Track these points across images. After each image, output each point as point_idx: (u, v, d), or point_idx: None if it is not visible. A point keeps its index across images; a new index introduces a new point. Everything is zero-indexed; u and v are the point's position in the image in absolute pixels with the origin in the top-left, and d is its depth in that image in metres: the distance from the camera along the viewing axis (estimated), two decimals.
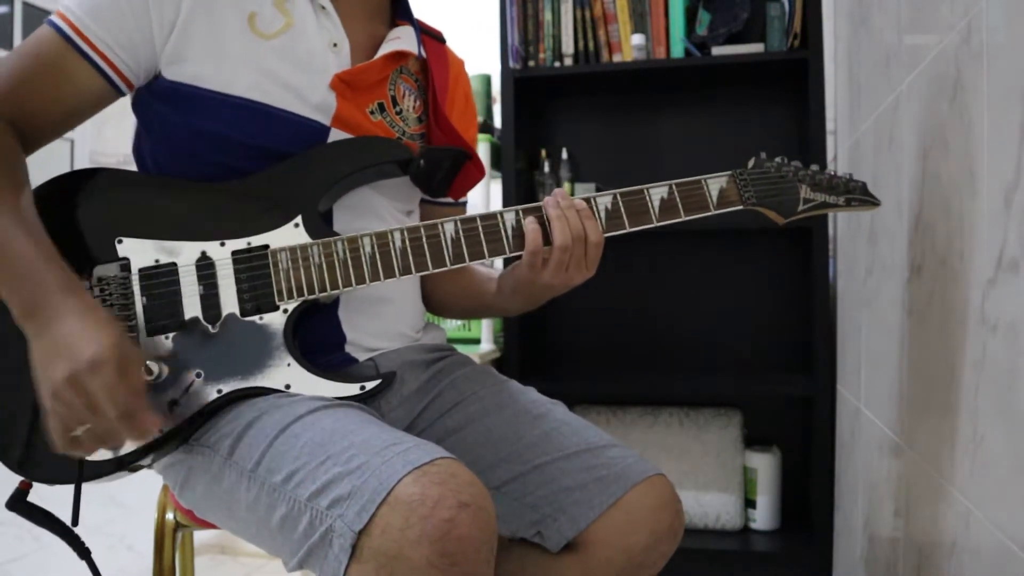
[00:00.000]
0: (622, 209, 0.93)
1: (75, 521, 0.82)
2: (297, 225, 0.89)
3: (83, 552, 0.85)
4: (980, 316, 0.81)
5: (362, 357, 0.96)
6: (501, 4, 1.96)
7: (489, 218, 0.91)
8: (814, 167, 1.00)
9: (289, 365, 0.86)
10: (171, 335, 0.85)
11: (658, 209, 0.94)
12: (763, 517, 1.91)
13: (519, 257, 0.93)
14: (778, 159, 1.00)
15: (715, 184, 0.96)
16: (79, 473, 0.80)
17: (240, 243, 0.88)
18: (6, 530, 2.20)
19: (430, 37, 1.08)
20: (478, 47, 2.38)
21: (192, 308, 0.85)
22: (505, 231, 0.91)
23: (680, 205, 0.95)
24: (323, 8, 0.94)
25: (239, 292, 0.86)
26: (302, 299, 0.87)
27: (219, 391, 0.85)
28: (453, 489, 0.68)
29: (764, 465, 1.90)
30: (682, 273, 2.07)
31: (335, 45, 0.94)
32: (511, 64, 1.94)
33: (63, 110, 0.88)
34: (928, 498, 0.99)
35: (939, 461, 0.94)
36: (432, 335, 1.08)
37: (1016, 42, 0.72)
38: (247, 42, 0.90)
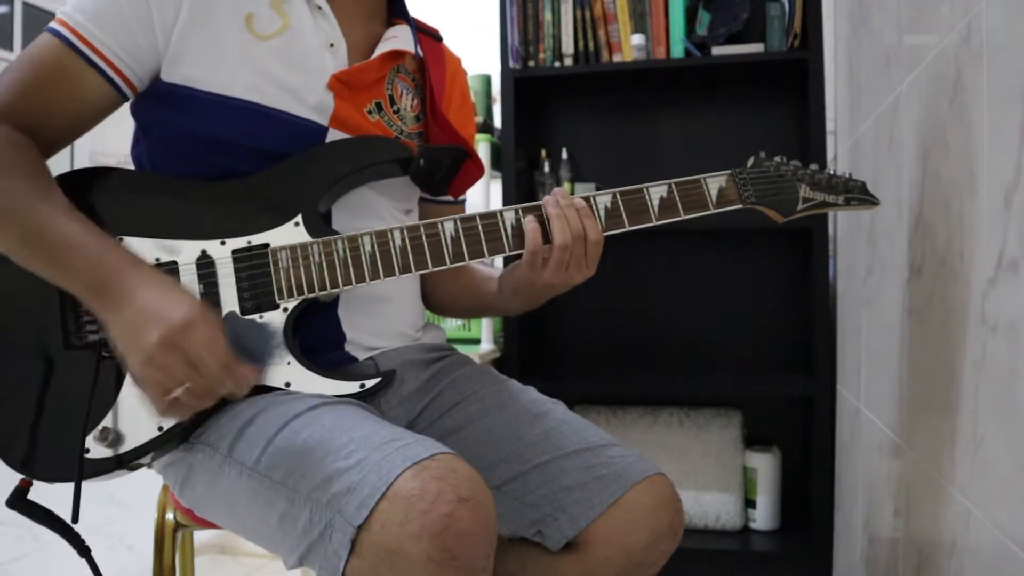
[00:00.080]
0: (621, 208, 0.93)
1: (75, 519, 0.82)
2: (297, 224, 0.89)
3: (83, 550, 0.85)
4: (980, 316, 0.81)
5: (362, 356, 0.96)
6: (501, 4, 1.96)
7: (489, 217, 0.91)
8: (813, 166, 1.00)
9: (289, 363, 0.86)
10: None
11: (657, 208, 0.94)
12: (763, 517, 1.91)
13: (519, 256, 0.93)
14: (777, 158, 1.00)
15: (714, 183, 0.96)
16: (79, 470, 0.80)
17: (240, 242, 0.88)
18: (6, 530, 2.20)
19: (426, 35, 1.07)
20: (478, 47, 2.38)
21: None
22: (505, 230, 0.91)
23: (679, 204, 0.95)
24: (319, 8, 0.94)
25: (239, 290, 0.86)
26: (302, 297, 0.87)
27: None
28: (452, 484, 0.68)
29: (764, 465, 1.90)
30: (682, 273, 2.07)
31: (332, 45, 0.94)
32: (511, 64, 1.94)
33: (69, 118, 0.87)
34: (928, 498, 0.99)
35: (939, 461, 0.94)
36: (432, 335, 1.08)
37: (1016, 42, 0.72)
38: (244, 43, 0.89)
